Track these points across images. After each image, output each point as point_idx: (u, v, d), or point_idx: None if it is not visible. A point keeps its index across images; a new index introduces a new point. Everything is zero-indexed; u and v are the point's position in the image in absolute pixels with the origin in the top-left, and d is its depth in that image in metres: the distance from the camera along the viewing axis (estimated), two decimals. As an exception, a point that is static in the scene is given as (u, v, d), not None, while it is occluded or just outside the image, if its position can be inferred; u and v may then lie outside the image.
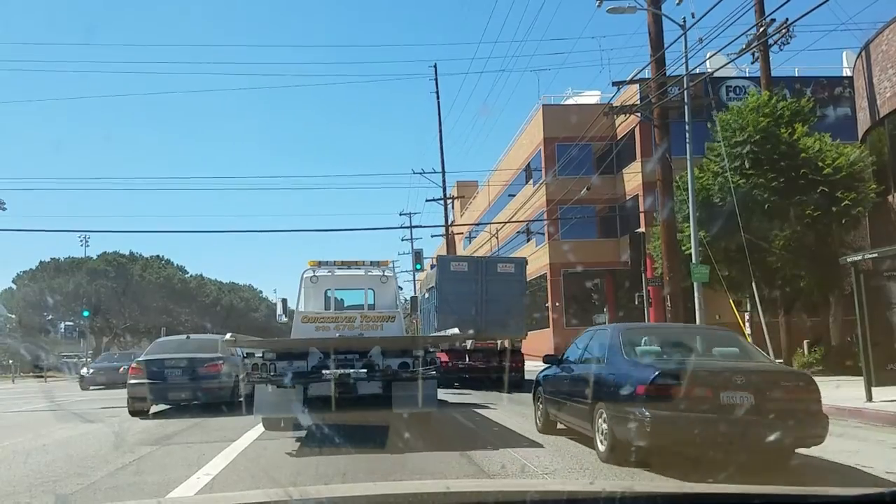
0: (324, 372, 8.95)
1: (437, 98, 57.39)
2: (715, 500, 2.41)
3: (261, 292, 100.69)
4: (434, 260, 26.59)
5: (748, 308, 21.19)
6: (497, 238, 41.84)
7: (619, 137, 40.06)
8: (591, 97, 43.24)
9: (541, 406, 9.99)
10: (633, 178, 39.42)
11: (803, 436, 6.78)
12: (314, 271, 13.30)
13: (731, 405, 6.56)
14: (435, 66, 57.78)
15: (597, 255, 40.28)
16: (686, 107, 16.97)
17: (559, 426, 9.54)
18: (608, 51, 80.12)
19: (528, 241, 49.07)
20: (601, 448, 7.48)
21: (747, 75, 39.24)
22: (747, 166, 17.12)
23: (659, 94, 17.68)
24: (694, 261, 16.89)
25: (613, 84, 19.15)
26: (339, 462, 7.53)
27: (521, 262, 21.99)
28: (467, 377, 19.18)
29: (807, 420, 6.75)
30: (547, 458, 7.87)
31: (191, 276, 57.67)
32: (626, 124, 38.61)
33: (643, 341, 8.09)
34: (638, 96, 39.55)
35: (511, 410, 12.92)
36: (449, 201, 59.68)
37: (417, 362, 9.29)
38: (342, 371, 8.96)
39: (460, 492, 2.50)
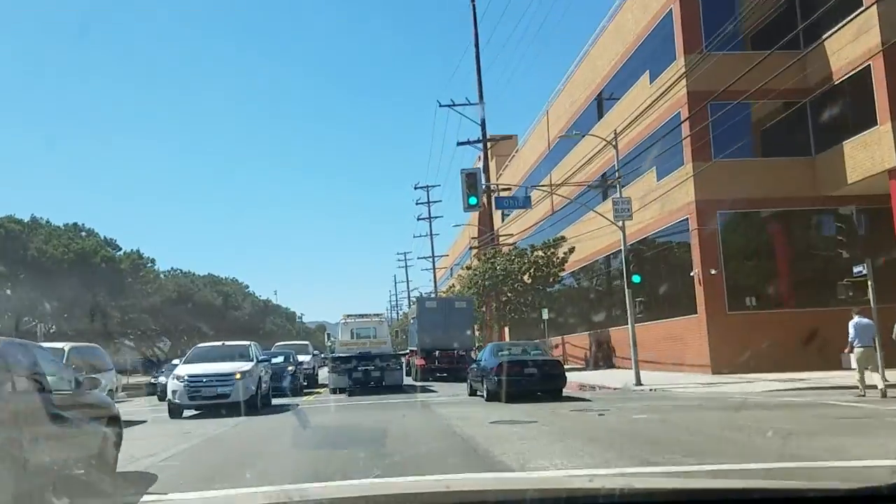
0: (357, 367, 22.15)
1: (472, -1, 41.07)
2: (714, 496, 2.33)
3: (247, 287, 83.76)
4: (415, 300, 38.84)
5: None
6: (577, 194, 24.64)
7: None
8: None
9: (468, 383, 19.62)
10: (844, 47, 22.21)
11: (556, 385, 16.67)
12: (346, 320, 24.77)
13: (529, 373, 16.45)
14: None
15: (775, 186, 23.20)
16: None
17: (478, 393, 18.04)
18: None
19: (606, 198, 32.07)
20: (485, 396, 16.89)
21: None
22: None
23: None
24: None
25: None
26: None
27: (470, 300, 32.38)
28: (437, 373, 28.34)
29: (557, 378, 16.86)
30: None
31: (123, 253, 40.43)
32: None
33: (501, 350, 18.62)
34: None
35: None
36: (484, 157, 42.79)
37: (392, 362, 23.07)
38: (364, 367, 22.19)
39: (460, 491, 2.57)
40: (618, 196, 20.17)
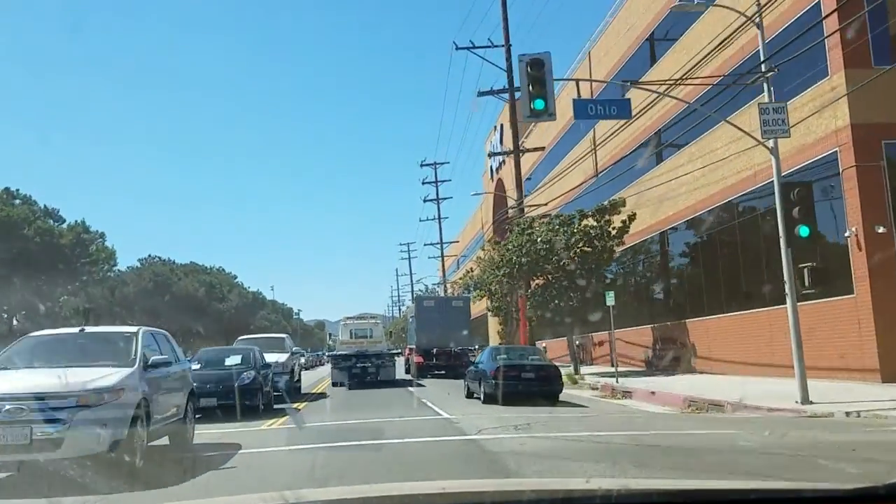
0: (356, 364, 24.83)
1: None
2: (710, 497, 2.30)
3: (234, 277, 76.36)
4: (414, 299, 44.22)
5: None
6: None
7: None
8: None
9: (465, 385, 19.97)
10: None
11: (553, 389, 16.67)
12: (345, 321, 27.82)
13: (526, 377, 16.78)
14: None
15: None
16: None
17: (475, 395, 18.34)
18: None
19: (668, 154, 24.92)
20: (482, 398, 17.25)
21: None
22: None
23: None
24: None
25: None
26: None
27: (467, 299, 33.47)
28: (434, 370, 28.95)
29: (554, 383, 16.79)
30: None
31: (69, 225, 32.93)
32: None
33: (499, 353, 18.66)
34: None
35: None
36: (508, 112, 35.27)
37: (386, 360, 25.76)
38: (361, 364, 24.82)
39: (455, 492, 2.51)
40: (766, 102, 12.56)
